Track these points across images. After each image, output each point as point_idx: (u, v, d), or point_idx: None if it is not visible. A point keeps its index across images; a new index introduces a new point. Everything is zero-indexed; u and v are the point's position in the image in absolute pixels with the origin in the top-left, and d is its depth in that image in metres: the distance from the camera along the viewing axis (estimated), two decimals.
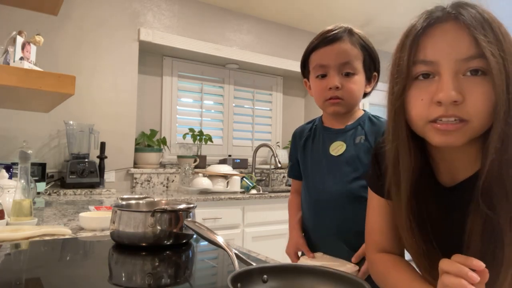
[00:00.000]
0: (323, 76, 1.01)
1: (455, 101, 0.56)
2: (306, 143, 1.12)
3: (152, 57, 2.84)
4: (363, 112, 1.07)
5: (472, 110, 0.56)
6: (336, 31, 0.99)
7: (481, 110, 0.56)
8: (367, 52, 1.01)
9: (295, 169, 1.17)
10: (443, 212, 0.66)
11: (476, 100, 0.56)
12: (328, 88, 0.99)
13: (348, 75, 0.99)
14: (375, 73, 1.05)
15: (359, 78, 1.00)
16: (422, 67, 0.60)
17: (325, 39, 1.00)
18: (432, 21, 0.60)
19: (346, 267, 0.91)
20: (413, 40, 0.60)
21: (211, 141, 2.92)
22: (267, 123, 3.43)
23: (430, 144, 0.63)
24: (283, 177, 3.30)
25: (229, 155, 3.17)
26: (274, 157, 2.82)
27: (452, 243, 0.61)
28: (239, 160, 3.02)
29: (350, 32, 1.00)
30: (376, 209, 0.77)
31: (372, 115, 1.06)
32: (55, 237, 0.97)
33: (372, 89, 1.07)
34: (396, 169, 0.66)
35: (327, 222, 1.02)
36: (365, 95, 1.07)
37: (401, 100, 0.62)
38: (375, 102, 1.00)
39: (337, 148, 1.03)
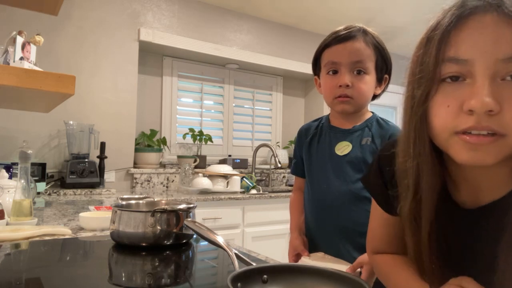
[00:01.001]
0: (334, 72, 1.00)
1: (490, 110, 0.46)
2: (312, 141, 1.12)
3: (152, 57, 2.84)
4: (371, 114, 1.07)
5: (511, 122, 0.46)
6: (350, 30, 0.99)
7: None
8: (380, 53, 1.01)
9: (299, 167, 1.16)
10: (462, 238, 0.58)
11: None
12: (338, 86, 0.99)
13: (359, 73, 0.98)
14: (386, 76, 1.05)
15: (370, 79, 1.00)
16: (453, 66, 0.49)
17: (339, 37, 0.99)
18: (467, 11, 0.49)
19: (346, 267, 0.91)
20: (443, 33, 0.50)
21: (211, 141, 2.92)
22: (267, 123, 3.43)
23: (450, 159, 0.53)
24: (283, 177, 3.30)
25: (229, 155, 3.17)
26: (274, 157, 2.82)
27: (473, 273, 0.54)
28: (239, 160, 3.02)
29: (364, 32, 1.00)
30: (380, 220, 0.72)
31: (381, 118, 1.06)
32: (55, 237, 0.97)
33: (382, 91, 1.06)
34: (417, 190, 0.56)
35: (329, 222, 1.02)
36: (375, 97, 1.06)
37: (425, 108, 0.52)
38: (373, 102, 1.00)
39: (343, 148, 1.03)
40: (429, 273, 0.58)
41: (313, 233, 1.09)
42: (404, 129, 0.57)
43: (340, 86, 0.98)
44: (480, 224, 0.56)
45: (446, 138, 0.51)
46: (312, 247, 1.07)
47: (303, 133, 1.16)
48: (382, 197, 0.68)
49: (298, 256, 1.08)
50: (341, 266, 0.91)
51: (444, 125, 0.50)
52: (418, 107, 0.53)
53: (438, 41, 0.50)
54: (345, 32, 0.99)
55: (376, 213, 0.72)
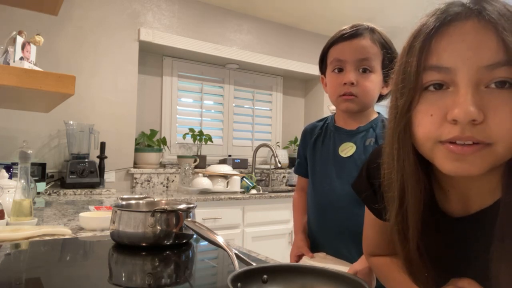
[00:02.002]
0: (340, 70, 1.00)
1: (474, 120, 0.45)
2: (316, 141, 1.11)
3: (152, 57, 2.84)
4: (377, 114, 1.06)
5: (496, 131, 0.45)
6: (357, 28, 0.98)
7: (509, 132, 0.45)
8: (387, 52, 0.99)
9: (302, 166, 1.15)
10: (453, 247, 0.57)
11: (502, 120, 0.45)
12: (343, 84, 0.98)
13: (365, 71, 0.97)
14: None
15: (376, 77, 0.99)
16: (435, 74, 0.48)
17: (345, 34, 0.98)
18: (449, 18, 0.48)
19: (348, 269, 0.91)
20: (424, 41, 0.49)
21: (211, 141, 2.92)
22: (267, 123, 3.43)
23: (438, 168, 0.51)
24: (283, 177, 3.30)
25: (229, 155, 3.17)
26: (274, 157, 2.82)
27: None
28: (239, 160, 3.02)
29: (372, 30, 0.99)
30: (374, 225, 0.71)
31: (386, 118, 1.04)
32: (55, 237, 0.97)
33: (390, 91, 1.05)
34: (403, 202, 0.55)
35: (332, 223, 1.02)
36: (381, 97, 1.05)
37: (408, 118, 0.51)
38: (380, 103, 0.99)
39: (347, 149, 1.02)
40: (423, 281, 0.57)
41: (315, 233, 1.08)
42: (388, 140, 0.56)
43: (345, 83, 0.97)
44: (470, 232, 0.55)
45: (430, 147, 0.50)
46: (314, 248, 1.07)
47: (308, 132, 1.15)
48: (372, 205, 0.68)
49: (300, 257, 1.08)
50: (342, 267, 0.91)
51: (427, 135, 0.49)
52: (401, 117, 0.52)
53: (419, 49, 0.49)
54: (351, 30, 0.98)
55: (370, 217, 0.72)
